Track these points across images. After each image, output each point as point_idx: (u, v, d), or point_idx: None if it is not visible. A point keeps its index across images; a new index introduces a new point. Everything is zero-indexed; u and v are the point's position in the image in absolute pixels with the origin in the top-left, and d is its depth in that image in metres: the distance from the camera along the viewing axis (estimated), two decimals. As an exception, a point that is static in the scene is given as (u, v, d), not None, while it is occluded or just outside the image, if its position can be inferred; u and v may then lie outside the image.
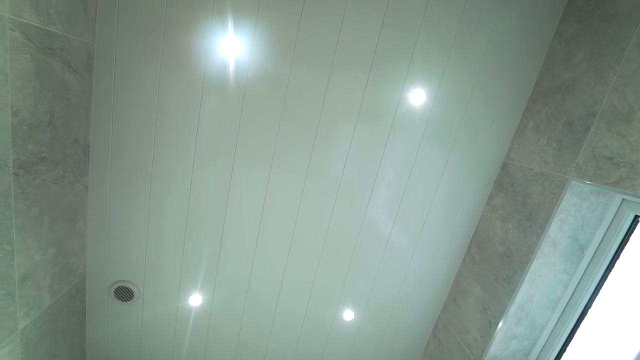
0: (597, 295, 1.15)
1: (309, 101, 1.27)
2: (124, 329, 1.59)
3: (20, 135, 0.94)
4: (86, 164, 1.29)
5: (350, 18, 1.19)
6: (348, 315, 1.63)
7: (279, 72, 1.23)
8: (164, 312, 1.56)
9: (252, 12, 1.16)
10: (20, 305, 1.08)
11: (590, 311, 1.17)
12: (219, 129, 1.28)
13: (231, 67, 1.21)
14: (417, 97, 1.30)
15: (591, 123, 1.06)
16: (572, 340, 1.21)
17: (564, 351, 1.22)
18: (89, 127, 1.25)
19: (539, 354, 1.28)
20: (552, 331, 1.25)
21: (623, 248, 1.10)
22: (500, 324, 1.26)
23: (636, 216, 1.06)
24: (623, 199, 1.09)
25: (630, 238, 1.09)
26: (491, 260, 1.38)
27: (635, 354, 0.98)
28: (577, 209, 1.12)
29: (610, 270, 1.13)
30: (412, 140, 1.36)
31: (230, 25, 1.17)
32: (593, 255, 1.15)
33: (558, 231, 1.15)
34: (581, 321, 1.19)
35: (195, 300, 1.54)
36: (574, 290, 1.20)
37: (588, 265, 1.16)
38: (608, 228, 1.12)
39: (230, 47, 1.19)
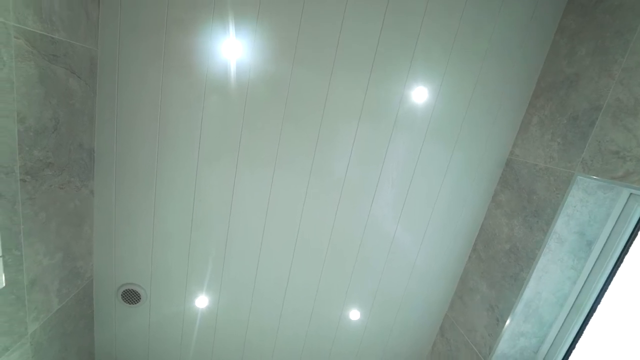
0: (605, 291, 1.14)
1: (310, 102, 1.27)
2: (131, 332, 1.60)
3: (26, 142, 0.95)
4: (91, 169, 1.30)
5: (351, 18, 1.19)
6: (354, 314, 1.62)
7: (281, 73, 1.23)
8: (170, 314, 1.57)
9: (252, 13, 1.16)
10: (29, 309, 1.10)
11: (598, 307, 1.15)
12: (221, 131, 1.29)
13: (233, 69, 1.22)
14: (419, 95, 1.30)
15: (596, 117, 1.05)
16: (581, 337, 1.20)
17: (573, 348, 1.21)
18: (93, 132, 1.26)
19: (548, 351, 1.27)
20: (560, 328, 1.24)
21: (631, 243, 1.09)
22: (508, 321, 1.25)
23: (644, 210, 1.05)
24: (631, 193, 1.07)
25: (639, 232, 1.07)
26: (497, 257, 1.37)
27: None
28: (584, 204, 1.11)
29: (618, 266, 1.11)
30: (415, 139, 1.35)
31: (231, 27, 1.17)
32: (601, 251, 1.14)
33: (565, 227, 1.13)
34: (590, 318, 1.17)
35: (202, 301, 1.55)
36: (582, 287, 1.18)
37: (596, 261, 1.15)
38: (616, 223, 1.11)
39: (232, 49, 1.20)
